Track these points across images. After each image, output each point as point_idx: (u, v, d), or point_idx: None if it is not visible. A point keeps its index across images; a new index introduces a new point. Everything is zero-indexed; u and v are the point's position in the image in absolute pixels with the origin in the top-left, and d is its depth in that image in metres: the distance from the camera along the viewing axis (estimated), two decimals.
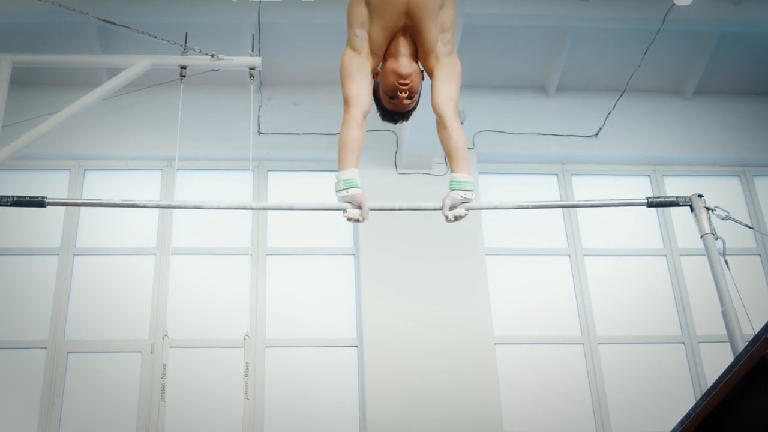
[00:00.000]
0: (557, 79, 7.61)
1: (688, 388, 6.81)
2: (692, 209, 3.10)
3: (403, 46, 3.38)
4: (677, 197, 3.17)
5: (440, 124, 3.41)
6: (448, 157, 3.42)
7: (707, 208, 3.03)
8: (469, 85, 7.54)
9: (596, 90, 7.66)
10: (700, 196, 3.11)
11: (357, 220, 3.34)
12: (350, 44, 3.41)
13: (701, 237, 3.02)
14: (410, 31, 3.39)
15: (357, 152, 3.36)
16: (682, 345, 7.01)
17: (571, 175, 7.59)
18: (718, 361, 6.48)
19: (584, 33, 7.28)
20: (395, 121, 3.59)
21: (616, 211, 7.44)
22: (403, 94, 3.36)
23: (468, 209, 3.36)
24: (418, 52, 3.42)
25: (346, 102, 3.37)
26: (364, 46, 3.39)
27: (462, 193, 3.35)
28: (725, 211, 3.06)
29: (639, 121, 7.67)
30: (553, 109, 7.67)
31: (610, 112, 7.42)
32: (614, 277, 7.22)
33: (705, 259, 7.11)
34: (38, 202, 3.28)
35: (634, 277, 7.24)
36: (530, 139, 7.47)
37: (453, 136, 3.36)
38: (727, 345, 6.88)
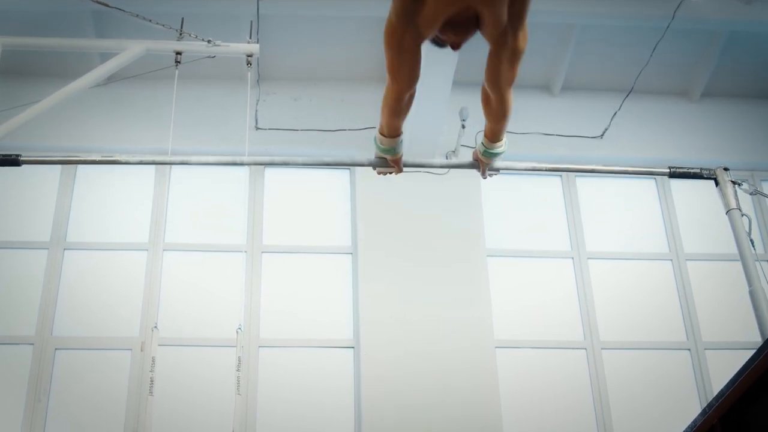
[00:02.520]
0: (562, 79, 7.45)
1: (694, 395, 6.65)
2: (717, 183, 2.89)
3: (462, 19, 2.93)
4: (701, 169, 2.95)
5: (488, 98, 3.24)
6: (493, 118, 3.31)
7: (733, 182, 2.83)
8: (471, 83, 7.35)
9: (602, 90, 7.49)
10: (726, 169, 2.91)
11: (390, 173, 3.52)
12: (396, 15, 2.90)
13: (726, 213, 2.81)
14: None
15: (403, 117, 3.29)
16: (688, 351, 6.84)
17: (576, 176, 7.43)
18: (724, 369, 6.32)
19: (590, 31, 7.13)
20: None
21: (622, 213, 7.32)
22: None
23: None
24: (481, 24, 2.96)
25: (392, 76, 3.04)
26: (412, 20, 2.89)
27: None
28: (753, 185, 2.86)
29: (645, 123, 7.52)
30: (557, 109, 7.51)
31: (615, 113, 7.26)
32: (618, 281, 7.05)
33: (711, 264, 7.08)
34: (12, 161, 3.18)
35: (638, 282, 7.06)
36: (534, 140, 7.30)
37: (508, 103, 3.22)
38: (734, 352, 6.72)
